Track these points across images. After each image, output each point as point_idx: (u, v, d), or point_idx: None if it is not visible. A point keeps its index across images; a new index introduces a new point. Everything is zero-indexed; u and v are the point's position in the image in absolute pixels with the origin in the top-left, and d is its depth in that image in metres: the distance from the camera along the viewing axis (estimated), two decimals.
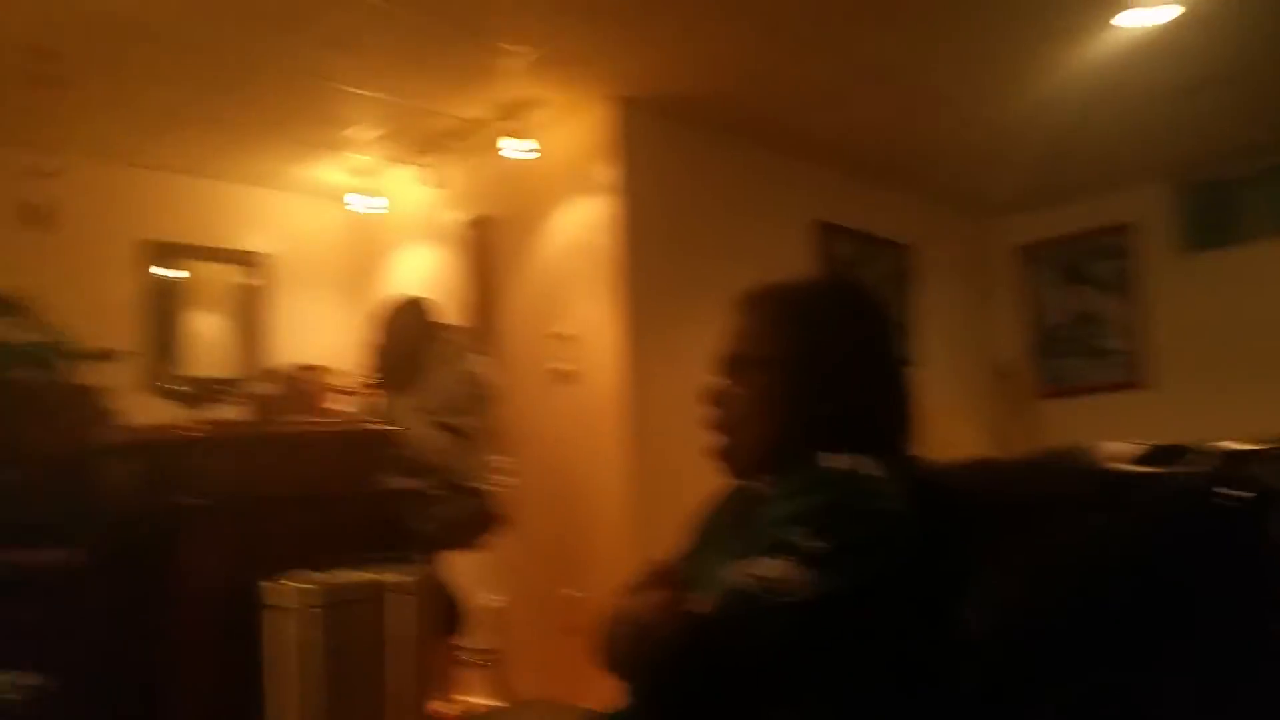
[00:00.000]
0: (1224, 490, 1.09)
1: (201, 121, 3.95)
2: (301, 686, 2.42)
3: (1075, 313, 5.36)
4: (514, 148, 3.79)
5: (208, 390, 3.10)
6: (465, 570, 3.45)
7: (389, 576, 2.58)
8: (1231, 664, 1.00)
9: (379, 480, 2.98)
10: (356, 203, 4.44)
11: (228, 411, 3.42)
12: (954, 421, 4.83)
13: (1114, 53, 3.59)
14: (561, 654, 3.56)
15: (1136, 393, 5.09)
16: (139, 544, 2.51)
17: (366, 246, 4.91)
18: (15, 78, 3.11)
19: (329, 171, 4.51)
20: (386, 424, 3.15)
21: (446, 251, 4.51)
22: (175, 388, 3.12)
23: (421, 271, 4.60)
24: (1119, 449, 1.18)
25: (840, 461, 1.12)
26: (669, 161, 4.04)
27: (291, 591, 2.46)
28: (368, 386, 3.53)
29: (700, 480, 1.31)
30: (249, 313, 4.62)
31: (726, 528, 1.22)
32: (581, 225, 3.95)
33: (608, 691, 1.16)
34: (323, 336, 4.63)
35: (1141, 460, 1.15)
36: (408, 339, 3.40)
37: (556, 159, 3.98)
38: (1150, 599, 1.03)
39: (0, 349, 2.24)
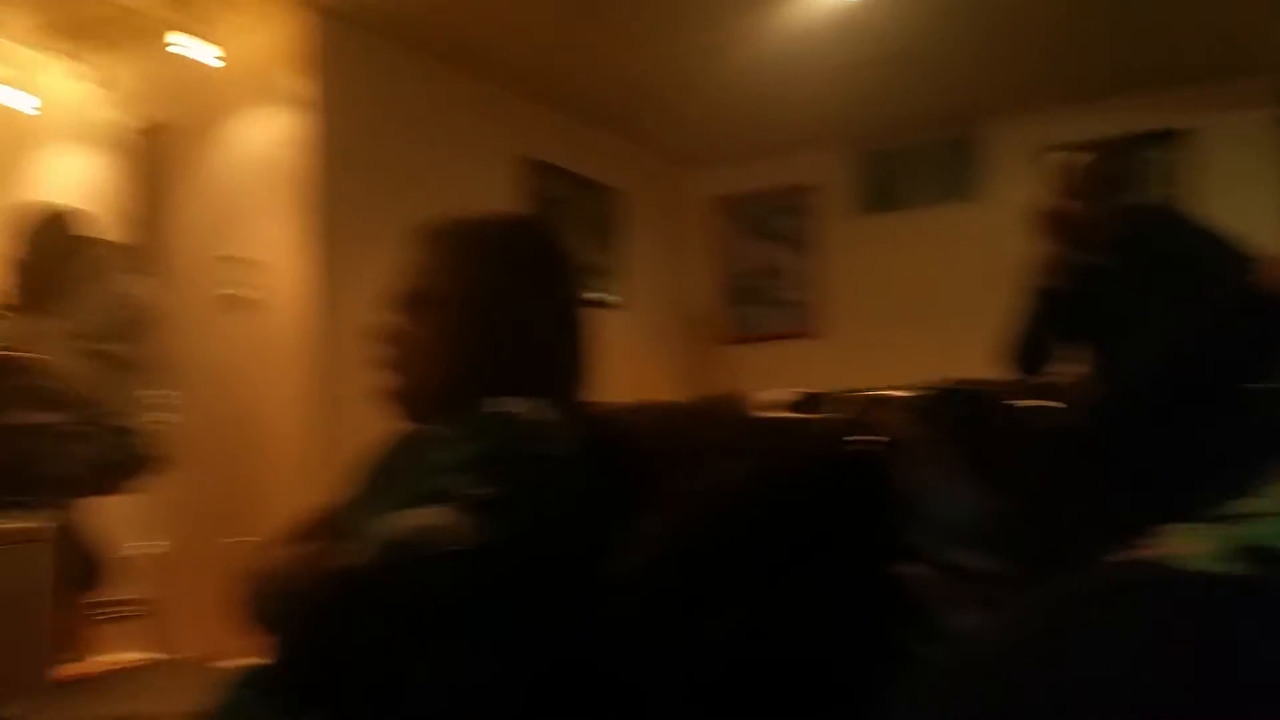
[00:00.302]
0: (857, 437, 1.16)
1: None
2: None
3: (761, 265, 5.67)
4: (187, 46, 3.42)
5: None
6: (122, 515, 3.13)
7: (13, 524, 2.29)
8: (851, 601, 1.06)
9: (8, 415, 2.62)
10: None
11: None
12: (650, 365, 4.99)
13: (809, 24, 3.80)
14: (204, 603, 3.34)
15: (813, 341, 5.48)
16: None
17: (7, 146, 4.26)
18: None
19: None
20: (21, 350, 2.74)
21: (108, 158, 4.00)
22: None
23: (76, 179, 4.05)
24: (772, 397, 1.23)
25: (510, 405, 1.08)
26: (369, 80, 3.80)
27: None
28: (3, 307, 3.05)
29: (388, 422, 1.23)
30: None
31: (394, 474, 1.16)
32: (267, 140, 3.63)
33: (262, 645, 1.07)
34: None
35: (790, 408, 1.20)
36: (51, 254, 2.96)
37: (241, 65, 3.63)
38: (783, 540, 1.07)
39: None
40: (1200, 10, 3.76)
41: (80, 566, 2.74)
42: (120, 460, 2.87)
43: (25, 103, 3.94)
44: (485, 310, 1.14)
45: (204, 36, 3.47)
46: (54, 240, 2.98)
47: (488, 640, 1.03)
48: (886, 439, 1.18)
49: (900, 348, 4.97)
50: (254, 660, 1.06)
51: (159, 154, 3.87)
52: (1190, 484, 0.84)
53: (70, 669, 2.85)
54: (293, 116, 3.58)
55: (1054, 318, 2.43)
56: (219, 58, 3.51)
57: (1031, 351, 2.47)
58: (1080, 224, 2.35)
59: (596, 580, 1.09)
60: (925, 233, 5.18)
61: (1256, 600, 0.60)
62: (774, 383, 4.74)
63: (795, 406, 1.18)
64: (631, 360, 4.86)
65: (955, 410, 1.17)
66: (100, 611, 3.08)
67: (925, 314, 5.06)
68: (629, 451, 1.20)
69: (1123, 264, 2.32)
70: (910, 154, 5.25)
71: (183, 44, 3.46)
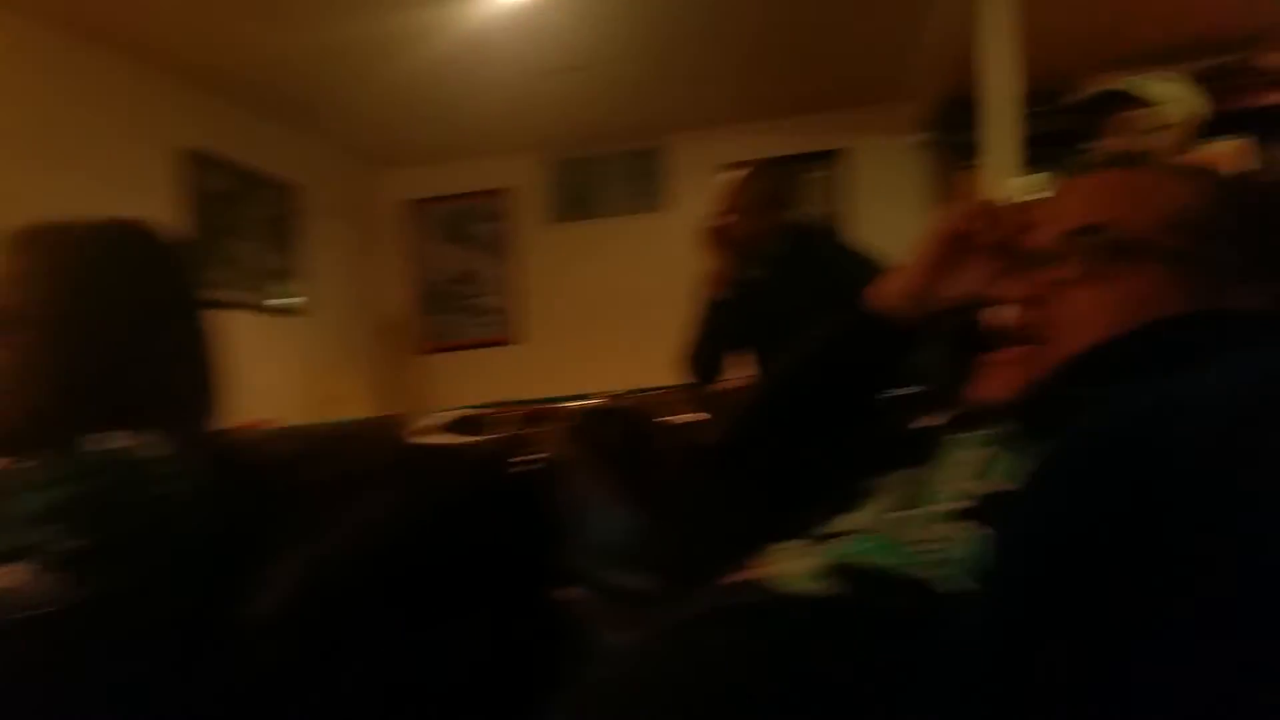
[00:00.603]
0: (518, 459, 1.13)
1: None
2: None
3: (456, 271, 5.58)
4: None
5: None
6: None
7: None
8: (510, 628, 1.03)
9: None
10: None
11: None
12: (339, 376, 4.76)
13: (490, 25, 3.75)
14: None
15: (510, 349, 5.46)
16: None
17: None
18: None
19: None
20: None
21: None
22: None
23: None
24: (429, 420, 1.18)
25: (110, 441, 0.95)
26: (15, 60, 3.36)
27: None
28: None
29: None
30: None
31: None
32: None
33: None
34: None
35: (448, 429, 1.16)
36: None
37: None
38: (435, 572, 1.02)
39: None
40: (857, 40, 4.11)
41: None
42: None
43: None
44: (77, 329, 1.00)
45: None
46: None
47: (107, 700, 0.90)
48: (543, 459, 1.17)
49: (595, 356, 5.07)
50: None
51: None
52: (807, 501, 0.88)
53: None
54: None
55: (721, 329, 2.55)
56: None
57: (704, 361, 2.59)
58: (741, 239, 2.49)
59: (230, 627, 0.99)
60: (616, 242, 5.31)
61: (830, 620, 0.62)
62: (471, 393, 4.70)
63: (454, 427, 1.13)
64: (318, 371, 4.61)
65: (606, 428, 1.17)
66: None
67: (617, 322, 5.19)
68: (268, 483, 1.10)
69: (780, 278, 2.48)
70: (600, 163, 5.36)
71: None
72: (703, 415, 1.25)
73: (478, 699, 1.00)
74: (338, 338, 5.00)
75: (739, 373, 2.54)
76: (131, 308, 1.04)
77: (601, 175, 5.37)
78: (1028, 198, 0.93)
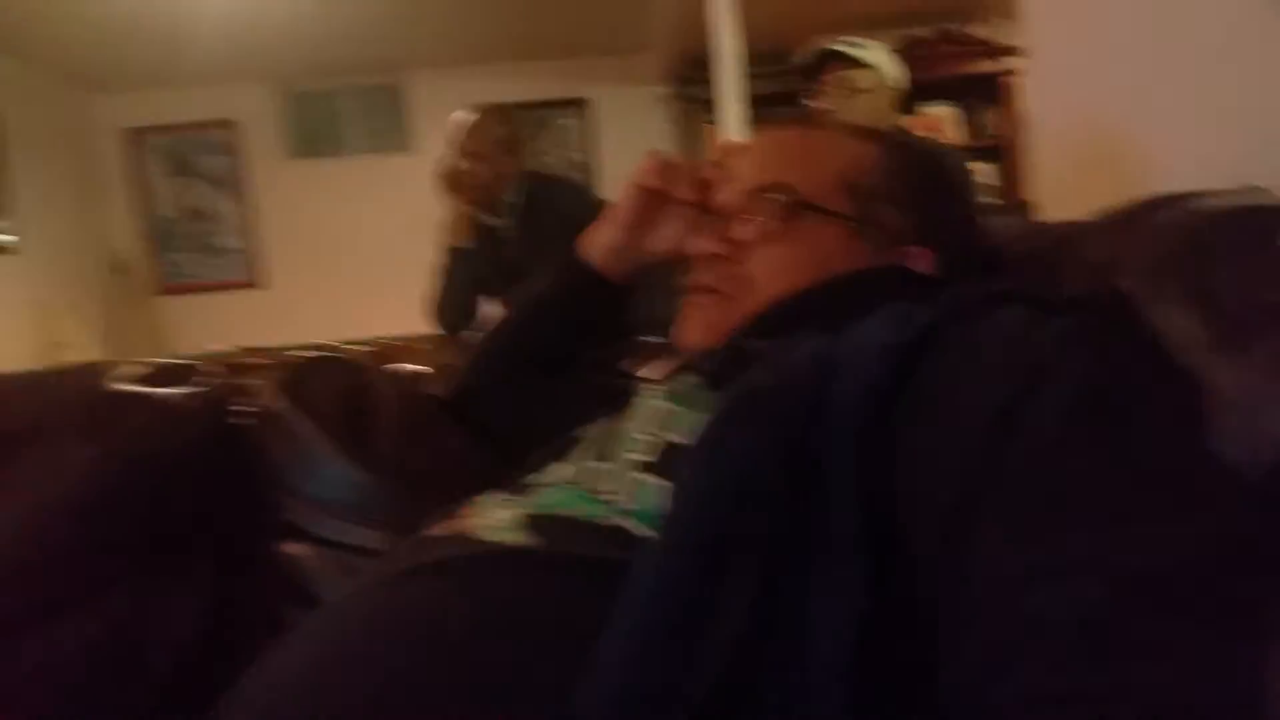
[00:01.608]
0: (235, 409, 1.09)
1: None
2: None
3: (190, 207, 5.19)
4: None
5: None
6: None
7: None
8: (231, 585, 1.00)
9: None
10: None
11: None
12: (64, 319, 4.32)
13: None
14: None
15: (253, 291, 5.18)
16: None
17: None
18: None
19: None
20: None
21: None
22: None
23: None
24: (128, 370, 1.10)
25: None
26: None
27: None
28: None
29: None
30: None
31: None
32: None
33: None
34: None
35: (150, 380, 1.08)
36: None
37: None
38: (144, 530, 0.97)
39: None
40: None
41: None
42: None
43: None
44: None
45: None
46: None
47: None
48: (257, 412, 1.12)
49: (338, 300, 4.89)
50: None
51: None
52: (520, 450, 0.90)
53: None
54: None
55: (464, 277, 2.52)
56: None
57: (449, 310, 2.55)
58: (476, 185, 2.46)
59: None
60: (358, 181, 5.11)
61: (524, 571, 0.64)
62: (210, 337, 4.41)
63: (162, 374, 1.06)
64: (38, 314, 4.17)
65: (323, 378, 1.14)
66: None
67: (361, 266, 5.02)
68: None
69: (518, 227, 2.47)
70: (339, 98, 5.12)
71: None
72: (427, 367, 1.24)
73: (197, 663, 0.96)
74: (60, 277, 4.54)
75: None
76: None
77: (340, 111, 5.12)
78: (717, 155, 0.97)
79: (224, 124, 5.12)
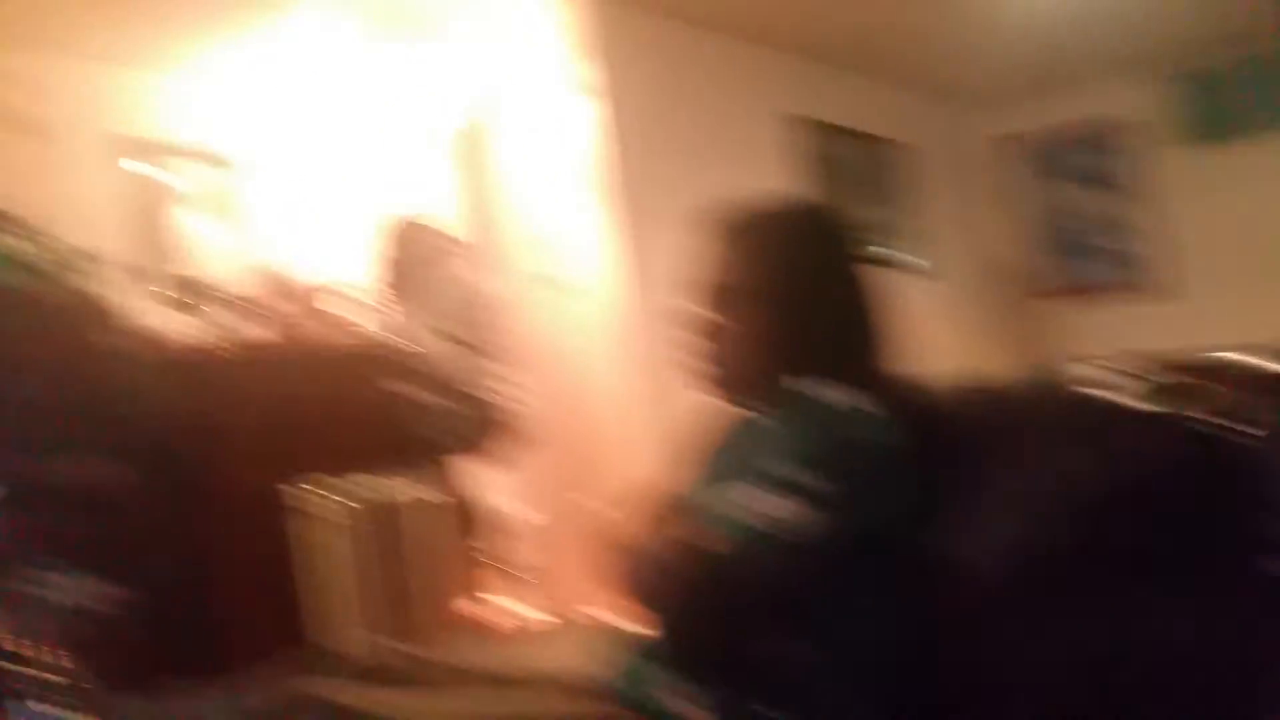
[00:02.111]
0: (1231, 427, 1.03)
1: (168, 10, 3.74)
2: (331, 589, 2.55)
3: (1072, 211, 5.22)
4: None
5: (199, 294, 3.04)
6: (490, 480, 3.51)
7: (407, 484, 2.68)
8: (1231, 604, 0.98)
9: (393, 392, 3.03)
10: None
11: (225, 318, 3.37)
12: (952, 328, 4.75)
13: None
14: (583, 570, 3.58)
15: (1148, 297, 4.96)
16: (176, 456, 2.54)
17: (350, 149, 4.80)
18: None
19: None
20: (397, 338, 3.19)
21: (436, 160, 4.41)
22: (168, 292, 3.03)
23: (413, 182, 4.49)
24: (1092, 372, 1.16)
25: (840, 397, 1.13)
26: (650, 58, 3.90)
27: (317, 500, 2.58)
28: (377, 298, 3.53)
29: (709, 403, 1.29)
30: (229, 213, 4.54)
31: (731, 459, 1.23)
32: (565, 129, 3.82)
33: (628, 610, 1.18)
34: (307, 238, 4.58)
35: (1140, 385, 1.11)
36: (410, 252, 3.45)
37: (533, 58, 3.88)
38: (1142, 541, 1.02)
39: None
40: None
41: (463, 519, 3.12)
42: (480, 428, 3.29)
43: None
44: (792, 298, 1.19)
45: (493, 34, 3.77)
46: (412, 240, 3.47)
47: (837, 628, 1.08)
48: (1262, 431, 1.05)
49: (1256, 305, 4.31)
50: (639, 629, 1.16)
51: (476, 152, 4.21)
52: None
53: (467, 607, 3.24)
54: (585, 102, 3.74)
55: None
56: (515, 53, 3.81)
57: None
58: None
59: (930, 571, 1.11)
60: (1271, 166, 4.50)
61: None
62: (1105, 345, 4.37)
63: (1142, 385, 1.07)
64: (940, 327, 4.62)
65: None
66: (482, 559, 3.48)
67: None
68: (950, 435, 1.20)
69: None
70: (1241, 71, 4.56)
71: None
72: None
73: (1190, 681, 0.97)
74: (958, 291, 4.97)
75: None
76: (831, 274, 1.23)
77: (1243, 85, 4.57)
78: None
79: (1107, 121, 5.01)
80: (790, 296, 1.19)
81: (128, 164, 4.18)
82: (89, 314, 2.40)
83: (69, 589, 1.99)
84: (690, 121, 4.01)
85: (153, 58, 4.18)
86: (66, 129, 3.74)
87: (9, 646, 1.83)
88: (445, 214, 3.96)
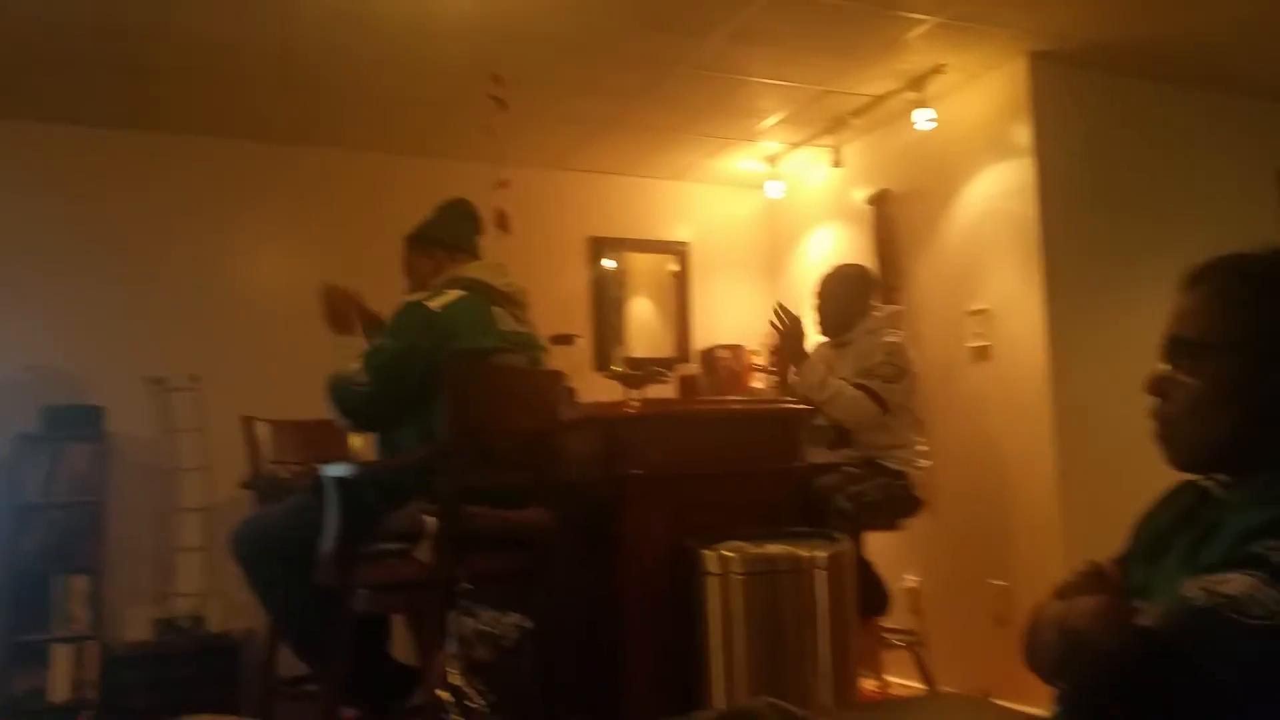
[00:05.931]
0: None
1: (628, 126, 4.28)
2: (731, 649, 2.57)
3: None
4: (923, 118, 3.79)
5: (645, 370, 3.38)
6: (884, 550, 3.49)
7: (812, 550, 2.63)
8: None
9: (801, 456, 3.09)
10: (771, 189, 4.78)
11: (662, 390, 3.68)
12: None
13: None
14: (980, 643, 3.51)
15: None
16: (592, 508, 2.79)
17: (776, 230, 5.12)
18: (475, 102, 3.55)
19: (741, 161, 4.79)
20: (800, 401, 3.24)
21: (850, 230, 4.56)
22: (618, 369, 3.44)
23: (827, 251, 4.69)
24: None
25: None
26: (1085, 117, 3.75)
27: (719, 558, 2.60)
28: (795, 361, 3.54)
29: (1136, 469, 1.22)
30: (675, 298, 5.04)
31: (1175, 532, 1.13)
32: (991, 192, 3.79)
33: (1028, 688, 1.12)
34: (738, 317, 4.93)
35: None
36: (845, 298, 3.50)
37: (960, 126, 3.89)
38: None
39: (501, 336, 2.49)
40: None
41: (870, 593, 3.08)
42: (891, 500, 3.23)
43: (781, 190, 4.82)
44: (1266, 356, 1.06)
45: (925, 104, 3.81)
46: (847, 287, 3.52)
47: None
48: None
49: None
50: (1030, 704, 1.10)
51: (890, 219, 4.27)
52: None
53: (870, 686, 3.26)
54: (1015, 165, 3.69)
55: None
56: (933, 121, 3.83)
57: None
58: None
59: None
60: None
61: None
62: None
63: None
64: None
65: None
66: (884, 638, 3.43)
67: None
68: None
69: None
70: None
71: (921, 119, 3.83)
72: None
73: None
74: None
75: None
76: None
77: None
78: None
79: None
80: (1265, 350, 1.06)
81: (592, 258, 4.83)
82: (558, 389, 2.77)
83: (495, 624, 2.10)
84: (1138, 179, 3.83)
85: (625, 168, 4.85)
86: (539, 228, 4.35)
87: (452, 679, 2.01)
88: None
